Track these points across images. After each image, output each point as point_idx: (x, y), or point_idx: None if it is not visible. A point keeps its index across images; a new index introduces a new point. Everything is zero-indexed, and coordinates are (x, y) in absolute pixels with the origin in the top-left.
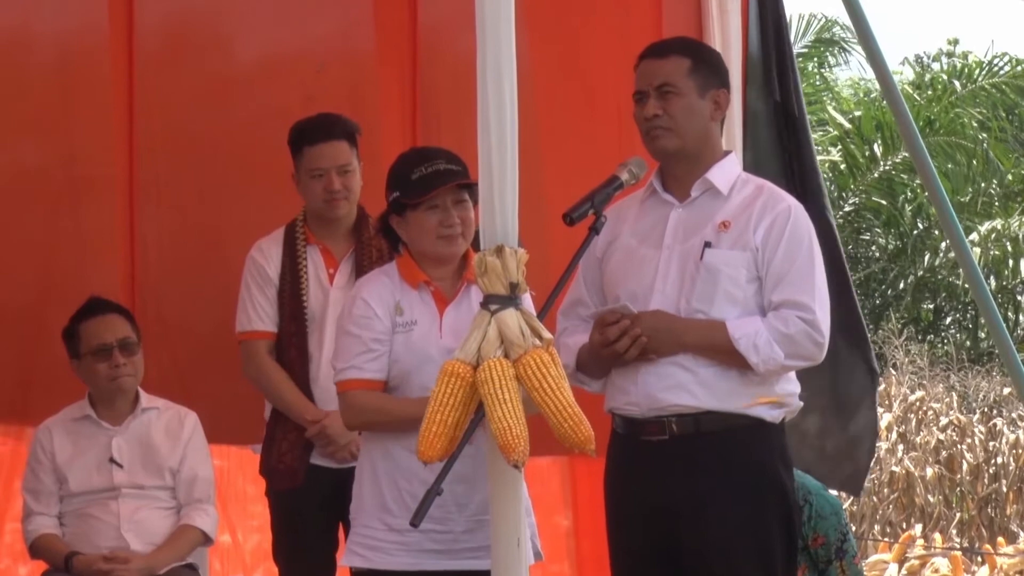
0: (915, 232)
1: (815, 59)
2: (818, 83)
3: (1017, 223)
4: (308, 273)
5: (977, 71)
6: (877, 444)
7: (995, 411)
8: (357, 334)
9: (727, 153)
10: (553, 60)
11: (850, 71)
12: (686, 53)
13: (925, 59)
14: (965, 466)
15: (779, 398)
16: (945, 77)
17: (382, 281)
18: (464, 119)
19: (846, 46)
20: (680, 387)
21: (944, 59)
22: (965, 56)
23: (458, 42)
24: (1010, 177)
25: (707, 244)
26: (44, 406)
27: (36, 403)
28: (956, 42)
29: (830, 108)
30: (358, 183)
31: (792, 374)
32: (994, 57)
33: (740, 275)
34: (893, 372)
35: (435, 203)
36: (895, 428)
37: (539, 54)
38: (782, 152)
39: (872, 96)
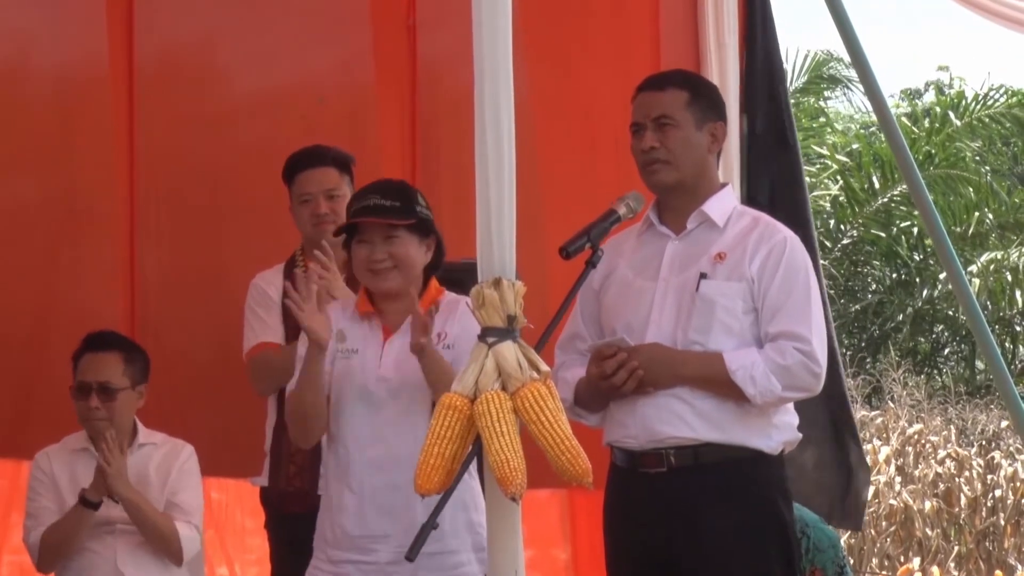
0: (913, 263)
1: (814, 95)
2: (822, 119)
3: (1016, 254)
4: None
5: (974, 104)
6: (875, 477)
7: (993, 444)
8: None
9: (723, 185)
10: (551, 92)
11: (849, 106)
12: (684, 86)
13: (911, 91)
14: (963, 499)
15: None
16: (939, 110)
17: (336, 308)
18: (464, 151)
19: (846, 82)
20: (678, 419)
21: (934, 90)
22: (961, 87)
23: (458, 74)
24: (1003, 208)
25: (703, 275)
26: (42, 440)
27: (34, 437)
28: (947, 68)
29: (829, 142)
30: None
31: (790, 405)
32: (990, 90)
33: (736, 306)
34: (891, 405)
35: (363, 237)
36: (893, 461)
37: (537, 86)
38: (770, 180)
39: (871, 130)
